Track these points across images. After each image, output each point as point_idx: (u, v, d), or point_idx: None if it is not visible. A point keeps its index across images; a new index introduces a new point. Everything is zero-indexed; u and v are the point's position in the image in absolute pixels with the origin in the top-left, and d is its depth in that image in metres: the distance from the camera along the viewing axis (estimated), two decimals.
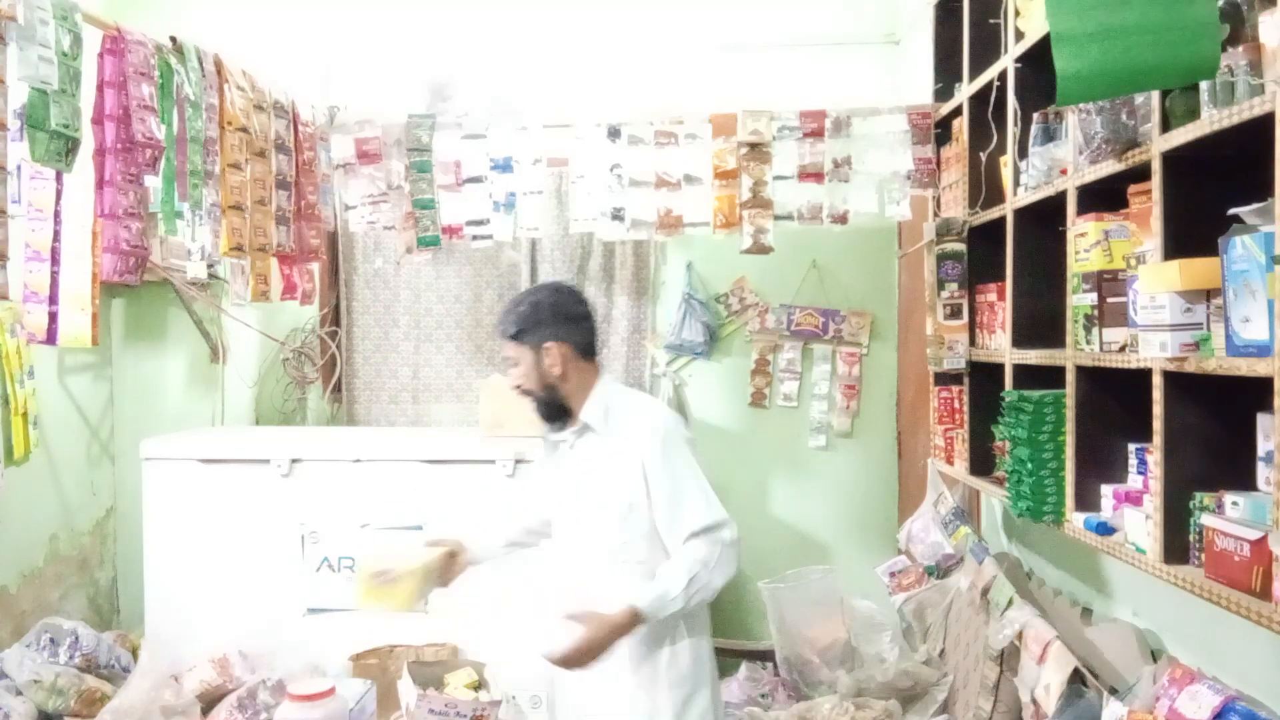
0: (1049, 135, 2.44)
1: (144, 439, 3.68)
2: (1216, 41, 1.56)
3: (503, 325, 2.29)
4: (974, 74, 2.99)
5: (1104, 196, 2.18)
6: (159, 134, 2.46)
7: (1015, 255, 2.66)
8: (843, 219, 3.50)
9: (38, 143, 2.10)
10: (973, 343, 3.02)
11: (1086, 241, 2.17)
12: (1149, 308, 1.83)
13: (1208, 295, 1.73)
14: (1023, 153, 2.58)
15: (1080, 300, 2.20)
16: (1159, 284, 1.80)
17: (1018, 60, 2.61)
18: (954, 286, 3.05)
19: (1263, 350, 1.53)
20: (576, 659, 2.07)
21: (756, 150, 3.45)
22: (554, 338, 2.24)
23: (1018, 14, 2.59)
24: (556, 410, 2.30)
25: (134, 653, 3.54)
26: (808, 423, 4.27)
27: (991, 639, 2.73)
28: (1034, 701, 2.41)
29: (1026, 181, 2.55)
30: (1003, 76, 2.72)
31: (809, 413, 4.27)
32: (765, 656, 3.83)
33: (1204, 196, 1.80)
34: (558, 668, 2.12)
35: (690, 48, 4.15)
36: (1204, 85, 1.73)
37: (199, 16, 3.83)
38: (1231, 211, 1.65)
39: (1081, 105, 2.10)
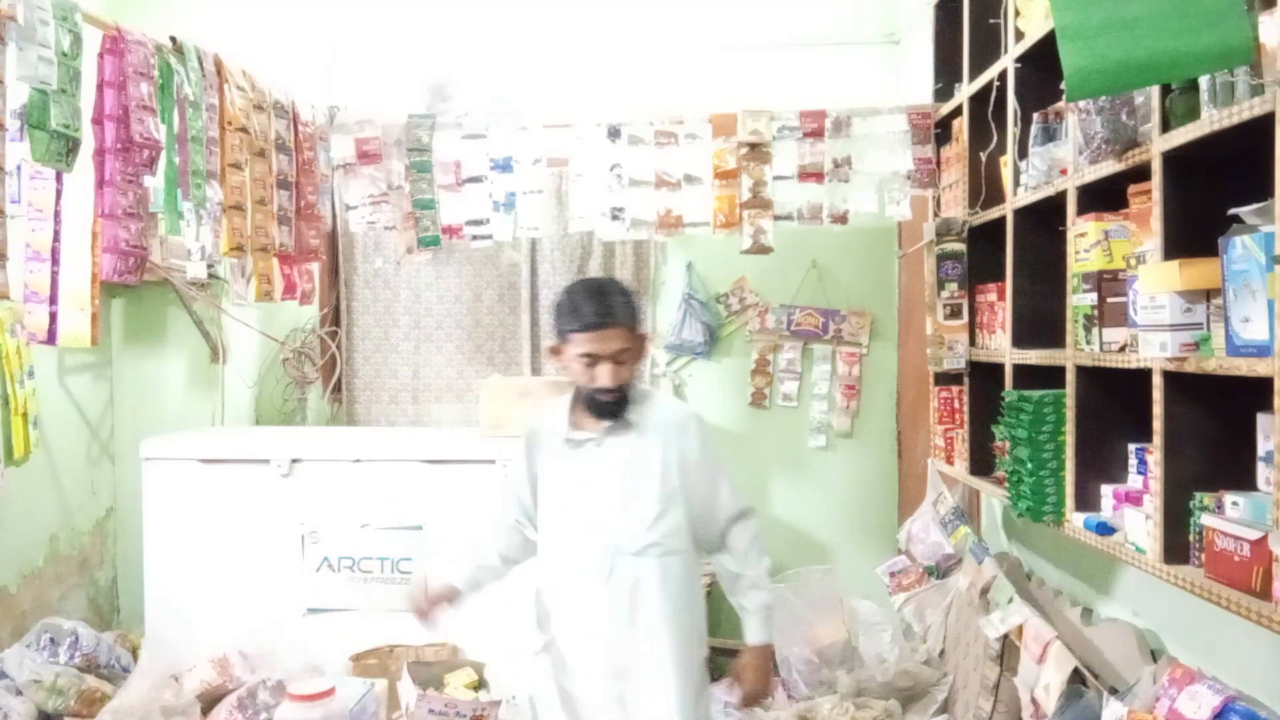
0: (1049, 135, 2.44)
1: (144, 439, 3.68)
2: (1244, 22, 1.50)
3: (618, 316, 2.18)
4: (974, 74, 2.99)
5: (1104, 196, 2.18)
6: (157, 134, 2.46)
7: (1015, 255, 2.66)
8: (843, 219, 3.50)
9: (38, 143, 2.10)
10: (973, 343, 3.02)
11: (1086, 241, 2.17)
12: (1149, 308, 1.83)
13: (1208, 295, 1.73)
14: (1023, 153, 2.58)
15: (1080, 300, 2.20)
16: (1159, 284, 1.79)
17: (1018, 60, 2.61)
18: (954, 286, 3.05)
19: (1263, 350, 1.53)
20: (759, 692, 2.37)
21: (756, 150, 3.45)
22: (645, 324, 2.28)
23: (1018, 14, 2.59)
24: (625, 404, 2.25)
25: (134, 653, 3.54)
26: (808, 423, 4.27)
27: (986, 632, 2.72)
28: (1034, 701, 2.41)
29: (1026, 181, 2.55)
30: (1003, 76, 2.72)
31: (809, 413, 4.27)
32: None
33: (1204, 196, 1.80)
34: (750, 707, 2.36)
35: (690, 48, 4.15)
36: (1204, 85, 1.73)
37: (199, 16, 3.83)
38: (1231, 211, 1.65)
39: (1081, 105, 2.09)
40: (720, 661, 3.85)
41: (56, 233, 3.23)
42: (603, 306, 2.18)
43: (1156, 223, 1.88)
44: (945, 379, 3.24)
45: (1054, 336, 2.49)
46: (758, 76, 4.03)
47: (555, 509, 2.34)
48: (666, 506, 2.24)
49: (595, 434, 2.27)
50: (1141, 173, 1.98)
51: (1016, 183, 2.66)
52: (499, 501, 2.52)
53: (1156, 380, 1.87)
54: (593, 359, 2.18)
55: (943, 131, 3.42)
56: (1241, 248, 1.56)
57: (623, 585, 2.23)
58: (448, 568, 2.46)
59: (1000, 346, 2.75)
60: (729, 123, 3.46)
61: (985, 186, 2.95)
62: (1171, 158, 1.85)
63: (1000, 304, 2.78)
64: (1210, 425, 1.84)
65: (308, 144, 3.33)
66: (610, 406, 2.23)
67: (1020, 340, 2.63)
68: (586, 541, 2.26)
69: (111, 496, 4.22)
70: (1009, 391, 2.60)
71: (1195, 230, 1.80)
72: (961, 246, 3.05)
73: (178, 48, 2.62)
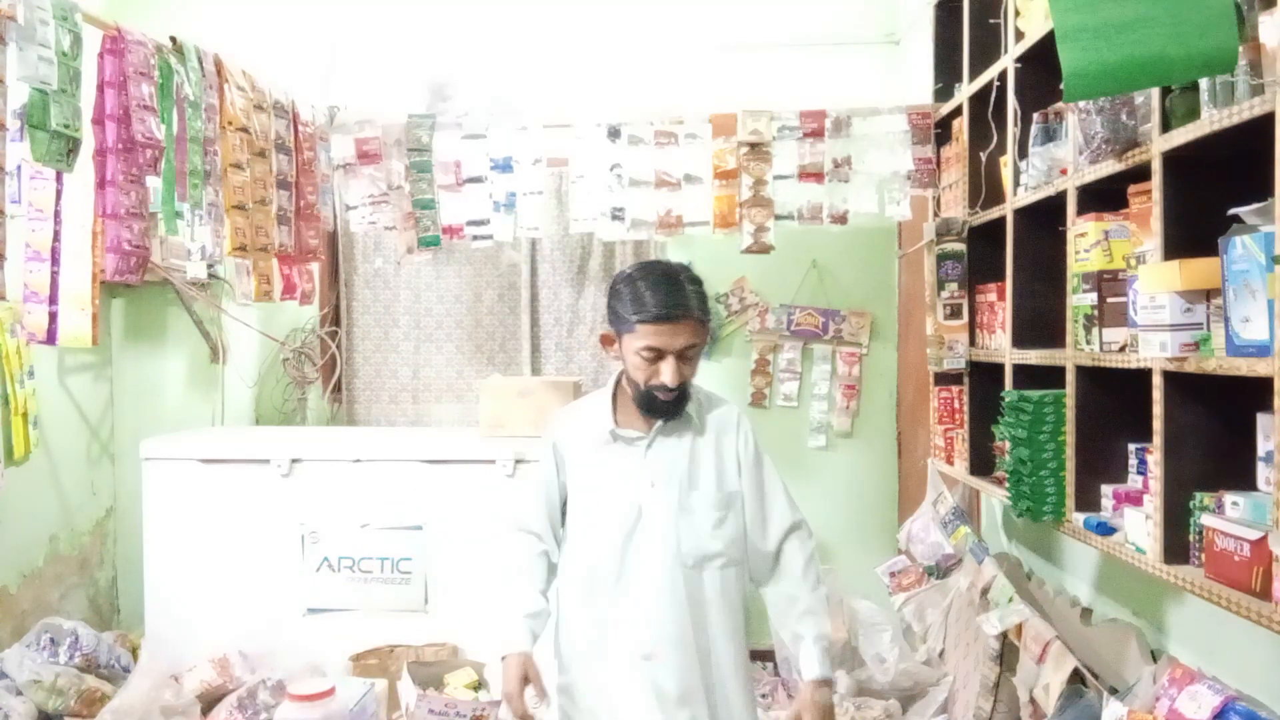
0: (1049, 135, 2.44)
1: (144, 439, 3.68)
2: (1233, 33, 1.50)
3: (691, 308, 1.95)
4: (974, 74, 2.99)
5: (1104, 196, 2.18)
6: (159, 134, 2.46)
7: (1015, 255, 2.66)
8: (843, 219, 3.50)
9: (38, 143, 2.10)
10: (973, 343, 3.02)
11: (1086, 241, 2.17)
12: (1149, 308, 1.83)
13: (1208, 295, 1.73)
14: (1023, 153, 2.58)
15: (1080, 300, 2.20)
16: (1159, 284, 1.80)
17: (1018, 60, 2.61)
18: (954, 286, 3.06)
19: (1263, 350, 1.53)
20: None
21: (756, 150, 3.45)
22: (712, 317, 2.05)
23: (1018, 14, 2.59)
24: (684, 403, 2.04)
25: (134, 653, 3.54)
26: (808, 423, 4.27)
27: (985, 629, 2.72)
28: (1033, 701, 2.41)
29: (1026, 181, 2.55)
30: (1003, 76, 2.72)
31: (809, 413, 4.27)
32: (765, 657, 3.83)
33: (1204, 196, 1.80)
34: None
35: (690, 48, 4.15)
36: (1204, 85, 1.73)
37: (199, 16, 3.83)
38: (1231, 211, 1.65)
39: (1081, 105, 2.10)
40: None
41: (56, 233, 3.23)
42: (676, 296, 1.93)
43: (1156, 223, 1.88)
44: (945, 379, 3.24)
45: (1054, 336, 2.49)
46: (758, 76, 4.04)
47: (597, 519, 2.07)
48: (726, 512, 2.04)
49: (645, 433, 2.05)
50: (1141, 173, 1.98)
51: (1016, 183, 2.66)
52: (523, 517, 2.17)
53: (1156, 380, 1.87)
54: (657, 354, 1.94)
55: (943, 131, 3.42)
56: (1241, 248, 1.56)
57: (683, 602, 2.00)
58: (512, 636, 2.07)
59: (1000, 346, 2.75)
60: (729, 123, 3.46)
61: (985, 186, 2.95)
62: (1171, 158, 1.85)
63: (1000, 304, 2.78)
64: (1210, 425, 1.84)
65: (308, 144, 3.33)
66: (667, 406, 2.00)
67: (1020, 340, 2.63)
68: (639, 554, 2.01)
69: (111, 496, 4.22)
70: (1009, 391, 2.60)
71: (1195, 230, 1.80)
72: (961, 246, 3.05)
73: (178, 48, 2.62)
